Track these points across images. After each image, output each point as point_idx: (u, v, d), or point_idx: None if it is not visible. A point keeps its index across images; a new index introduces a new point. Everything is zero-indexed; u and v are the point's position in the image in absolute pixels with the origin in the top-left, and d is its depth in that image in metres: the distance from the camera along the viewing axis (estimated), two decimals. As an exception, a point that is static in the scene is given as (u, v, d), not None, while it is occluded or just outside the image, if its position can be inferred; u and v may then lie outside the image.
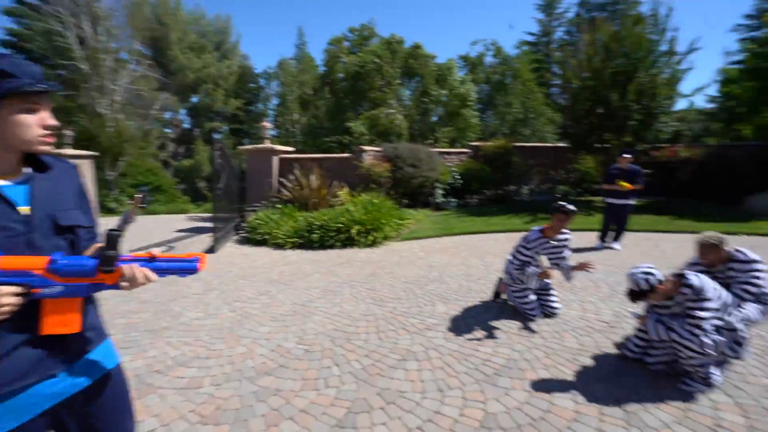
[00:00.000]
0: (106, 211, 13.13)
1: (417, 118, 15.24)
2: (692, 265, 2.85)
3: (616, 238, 6.35)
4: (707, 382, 2.47)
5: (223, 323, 3.66)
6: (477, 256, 5.95)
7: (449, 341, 3.20)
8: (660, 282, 2.44)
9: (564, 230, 3.59)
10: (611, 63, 9.40)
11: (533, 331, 3.36)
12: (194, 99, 30.80)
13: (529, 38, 32.73)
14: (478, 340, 3.22)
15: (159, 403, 2.43)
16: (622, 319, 3.55)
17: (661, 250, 6.10)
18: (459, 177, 11.18)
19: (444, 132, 15.54)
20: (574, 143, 10.75)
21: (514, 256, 3.66)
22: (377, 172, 9.44)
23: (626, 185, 5.96)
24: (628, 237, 6.76)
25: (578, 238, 7.10)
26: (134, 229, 9.16)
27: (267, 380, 2.66)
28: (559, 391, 2.48)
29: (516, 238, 4.98)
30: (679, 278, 2.46)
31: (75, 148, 11.78)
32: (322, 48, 53.15)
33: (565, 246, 3.61)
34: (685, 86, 39.68)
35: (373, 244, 6.85)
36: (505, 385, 2.57)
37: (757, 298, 2.56)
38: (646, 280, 2.43)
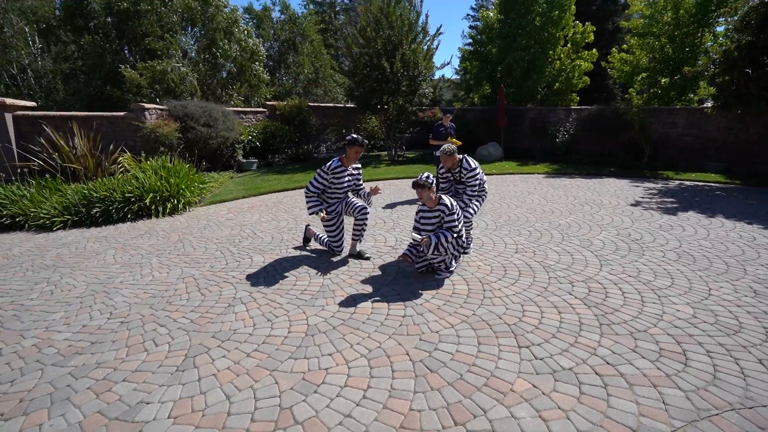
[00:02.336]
0: None
1: (207, 74, 13.80)
2: (439, 169, 4.30)
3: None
4: (449, 270, 3.72)
5: (-10, 322, 3.01)
6: (285, 211, 6.39)
7: (270, 283, 3.62)
8: (431, 185, 3.52)
9: (357, 163, 4.24)
10: (382, 34, 10.85)
11: (340, 261, 4.12)
12: None
13: (314, -2, 33.23)
14: (296, 276, 3.75)
15: (-73, 419, 2.01)
16: (402, 243, 4.71)
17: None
18: (258, 137, 11.11)
19: (236, 89, 14.64)
20: (359, 104, 12.11)
21: (310, 183, 4.04)
22: (165, 133, 8.44)
23: (456, 141, 6.59)
24: (403, 181, 8.44)
25: (380, 186, 8.41)
26: None
27: (81, 359, 2.50)
28: (360, 299, 3.28)
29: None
30: (438, 198, 3.59)
31: None
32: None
33: (358, 177, 4.27)
34: (437, 60, 48.82)
35: (174, 212, 6.37)
36: (321, 304, 3.21)
37: (478, 192, 4.12)
38: (427, 178, 3.52)
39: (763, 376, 2.27)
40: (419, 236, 3.52)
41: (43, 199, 6.08)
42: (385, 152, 13.72)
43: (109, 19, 13.11)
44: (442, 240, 3.51)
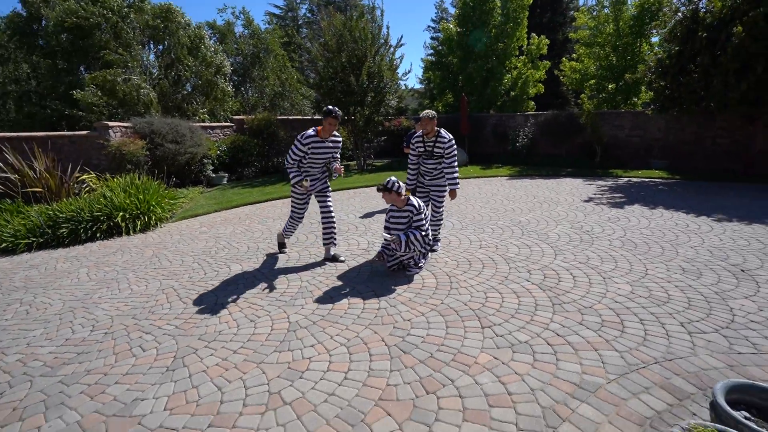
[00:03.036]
0: None
1: (169, 89, 13.65)
2: (415, 135, 4.49)
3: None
4: (418, 267, 4.01)
5: (-33, 343, 3.02)
6: (258, 222, 6.52)
7: (249, 288, 3.78)
8: (399, 188, 3.78)
9: (336, 133, 4.20)
10: (346, 47, 11.21)
11: (316, 264, 4.33)
12: None
13: (276, 11, 33.40)
14: (273, 280, 3.93)
15: None
16: (373, 246, 4.97)
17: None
18: (227, 151, 11.12)
19: (201, 103, 14.56)
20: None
21: (289, 154, 4.09)
22: (131, 151, 8.37)
23: None
24: (372, 189, 8.72)
25: (350, 195, 8.65)
26: None
27: (70, 368, 2.59)
28: (337, 297, 3.50)
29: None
30: (407, 199, 3.89)
31: None
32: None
33: (337, 148, 4.25)
34: (401, 71, 50.10)
35: (146, 228, 6.36)
36: (300, 303, 3.41)
37: (452, 162, 4.35)
38: (392, 183, 3.78)
39: (683, 336, 2.67)
40: (389, 236, 3.79)
41: (4, 222, 5.93)
42: (354, 162, 14.00)
43: (63, 36, 12.80)
44: (411, 238, 3.80)
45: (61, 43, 12.51)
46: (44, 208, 6.14)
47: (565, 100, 21.02)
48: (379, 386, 2.25)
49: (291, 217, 4.55)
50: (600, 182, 9.12)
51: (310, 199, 4.49)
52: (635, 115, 11.83)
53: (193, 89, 14.48)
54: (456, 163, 4.44)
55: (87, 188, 7.35)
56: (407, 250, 3.84)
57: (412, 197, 3.95)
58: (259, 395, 2.21)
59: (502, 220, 5.90)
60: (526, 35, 14.87)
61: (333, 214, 4.42)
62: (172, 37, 13.11)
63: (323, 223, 4.41)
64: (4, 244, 5.54)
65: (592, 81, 13.59)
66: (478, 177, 10.42)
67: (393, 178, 3.87)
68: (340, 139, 4.32)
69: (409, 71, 25.49)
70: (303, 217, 4.58)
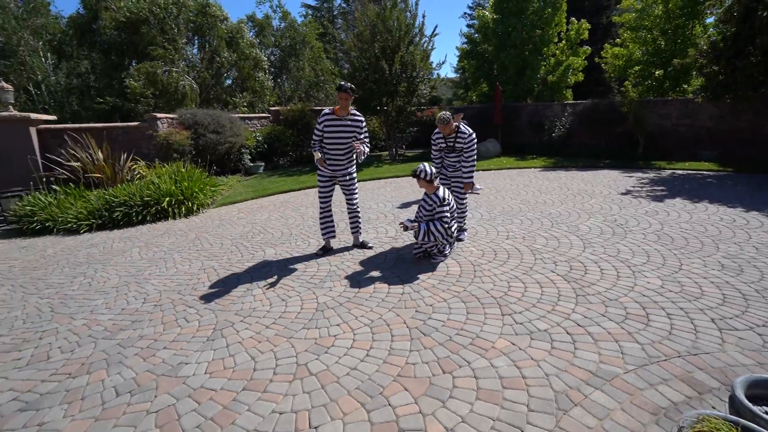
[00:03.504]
0: None
1: (211, 82, 14.30)
2: (436, 134, 4.55)
3: None
4: (443, 254, 4.10)
5: (40, 309, 3.44)
6: (292, 210, 6.80)
7: (282, 271, 4.02)
8: (427, 176, 3.85)
9: (356, 113, 4.07)
10: (379, 38, 11.25)
11: (345, 250, 4.51)
12: None
13: (311, 2, 33.72)
14: (305, 264, 4.15)
15: (4, 382, 2.42)
16: (401, 234, 5.09)
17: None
18: (263, 141, 11.55)
19: (242, 96, 15.15)
20: (359, 106, 12.50)
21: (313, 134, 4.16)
22: (177, 140, 8.90)
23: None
24: (403, 179, 8.82)
25: (381, 185, 8.81)
26: None
27: (126, 333, 2.92)
28: (364, 282, 3.67)
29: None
30: (436, 188, 3.95)
31: None
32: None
33: (358, 127, 4.06)
34: (434, 60, 49.11)
35: (190, 213, 6.81)
36: (329, 286, 3.60)
37: (470, 156, 4.42)
38: (422, 170, 3.87)
39: (712, 331, 2.62)
40: (411, 224, 3.89)
41: (69, 205, 6.54)
42: (386, 152, 14.10)
43: (116, 33, 13.67)
44: (432, 228, 3.88)
45: (115, 40, 13.41)
46: (102, 193, 6.71)
47: (608, 88, 19.98)
48: (398, 364, 2.39)
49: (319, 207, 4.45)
50: (640, 174, 8.73)
51: (333, 187, 4.33)
52: (683, 103, 11.14)
53: (233, 82, 15.07)
54: (474, 158, 4.50)
55: (138, 175, 7.93)
56: (427, 239, 3.92)
57: (443, 188, 4.01)
58: (288, 366, 2.42)
59: (532, 212, 5.84)
60: (565, 20, 14.25)
61: (357, 206, 4.45)
62: (212, 30, 13.70)
63: (349, 215, 4.52)
64: (69, 225, 6.12)
65: (637, 67, 12.87)
66: (511, 168, 10.25)
67: (422, 165, 3.95)
68: (361, 118, 4.13)
69: (443, 62, 25.06)
70: (328, 209, 4.37)
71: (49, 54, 15.26)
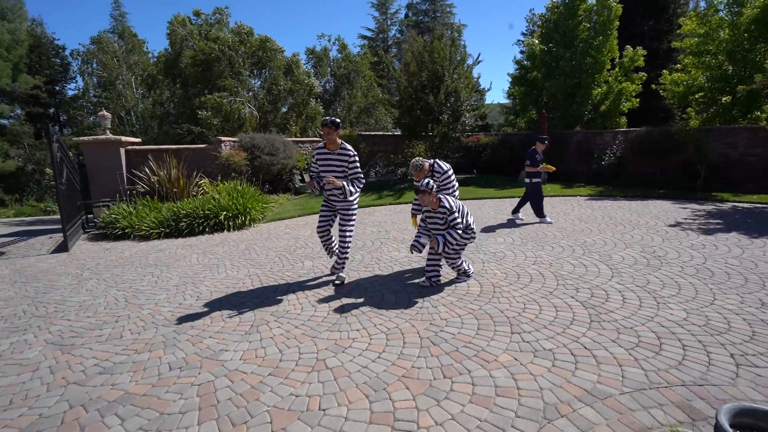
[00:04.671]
0: None
1: (268, 109, 15.72)
2: (416, 182, 4.26)
3: (517, 209, 7.50)
4: (467, 275, 4.29)
5: (117, 299, 4.11)
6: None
7: (316, 281, 4.44)
8: (431, 189, 3.86)
9: (346, 147, 4.08)
10: (426, 67, 11.80)
11: (375, 266, 4.85)
12: None
13: (367, 33, 35.66)
14: (335, 275, 4.53)
15: (89, 352, 3.01)
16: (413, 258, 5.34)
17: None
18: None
19: (295, 121, 16.44)
20: (406, 132, 13.03)
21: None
22: (236, 161, 9.89)
23: (550, 167, 7.00)
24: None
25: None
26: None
27: (178, 324, 3.45)
28: (387, 294, 3.96)
29: (367, 212, 6.42)
30: (438, 201, 3.95)
31: None
32: (144, 19, 46.81)
33: (345, 161, 4.07)
34: (485, 84, 49.00)
35: (242, 226, 7.55)
36: (355, 296, 3.94)
37: (452, 193, 4.42)
38: (427, 184, 3.87)
39: (727, 366, 2.60)
40: (428, 240, 3.97)
41: (145, 215, 7.53)
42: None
43: (193, 69, 15.60)
44: (449, 238, 3.91)
45: (192, 74, 15.31)
46: (171, 206, 7.66)
47: (668, 114, 18.99)
48: (404, 367, 2.65)
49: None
50: (696, 206, 8.28)
51: (332, 216, 4.38)
52: (753, 131, 10.43)
53: (289, 109, 16.42)
54: (454, 195, 4.43)
55: (202, 191, 8.91)
56: (449, 250, 4.00)
57: (443, 198, 3.97)
58: (309, 359, 2.77)
59: (566, 240, 5.84)
60: (617, 47, 13.98)
61: (347, 240, 4.25)
62: (271, 62, 15.18)
63: (339, 244, 4.33)
64: (143, 232, 7.06)
65: (700, 94, 12.26)
66: (555, 196, 10.12)
67: (427, 179, 3.95)
68: (350, 152, 4.07)
69: (489, 89, 25.23)
70: (324, 235, 4.38)
71: (139, 86, 17.65)
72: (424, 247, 4.05)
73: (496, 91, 71.03)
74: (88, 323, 3.55)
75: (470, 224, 4.15)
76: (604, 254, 5.07)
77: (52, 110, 29.18)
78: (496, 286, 4.09)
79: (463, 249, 4.20)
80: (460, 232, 3.97)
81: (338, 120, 4.03)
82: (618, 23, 13.66)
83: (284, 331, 3.24)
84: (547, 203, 9.15)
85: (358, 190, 4.26)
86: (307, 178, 4.18)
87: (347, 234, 4.28)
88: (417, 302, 3.74)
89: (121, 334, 3.29)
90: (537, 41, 15.02)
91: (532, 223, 7.03)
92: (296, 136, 16.00)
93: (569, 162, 13.52)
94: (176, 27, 15.85)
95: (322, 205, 4.43)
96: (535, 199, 7.16)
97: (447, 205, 3.95)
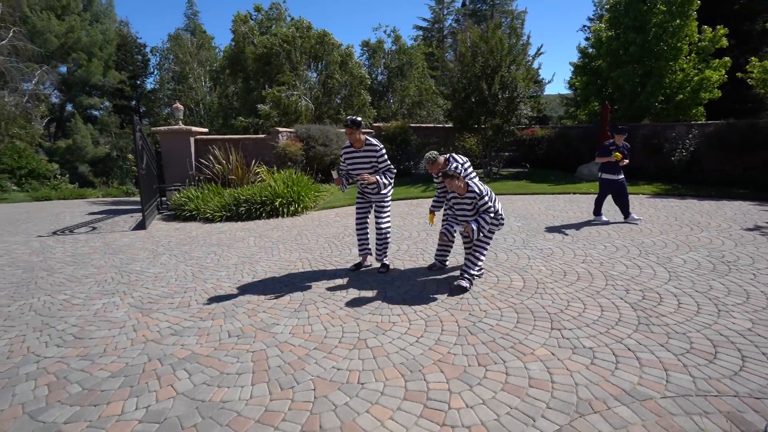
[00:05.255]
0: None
1: (323, 101, 16.26)
2: (435, 178, 4.25)
3: (627, 211, 6.58)
4: (471, 280, 3.89)
5: (186, 273, 4.60)
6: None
7: (361, 267, 4.63)
8: (459, 174, 3.79)
9: (372, 142, 4.15)
10: (480, 59, 11.53)
11: (419, 256, 4.96)
12: (61, 69, 26.81)
13: (422, 23, 35.22)
14: (379, 262, 4.71)
15: (163, 316, 3.44)
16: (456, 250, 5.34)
17: (517, 205, 8.33)
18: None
19: (347, 113, 16.86)
20: (458, 124, 12.87)
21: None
22: (292, 151, 10.39)
23: (618, 155, 6.37)
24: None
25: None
26: (37, 215, 8.87)
27: (238, 298, 3.81)
28: (429, 284, 4.06)
29: (414, 204, 6.51)
30: (466, 186, 3.81)
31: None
32: (214, 19, 49.82)
33: (372, 158, 4.16)
34: (546, 75, 46.32)
35: (296, 213, 7.97)
36: (398, 284, 4.08)
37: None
38: (455, 169, 3.90)
39: (791, 379, 2.42)
40: (460, 227, 3.88)
41: (209, 199, 8.21)
42: (482, 170, 14.15)
43: (254, 63, 16.49)
44: (482, 223, 3.76)
45: (253, 69, 16.23)
46: (233, 192, 8.27)
47: (760, 105, 16.94)
48: (441, 352, 2.76)
49: None
50: (781, 209, 7.44)
51: (369, 207, 4.51)
52: None
53: (342, 100, 16.86)
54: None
55: (260, 179, 9.50)
56: (482, 235, 3.87)
57: (471, 183, 3.82)
58: (351, 338, 2.97)
59: (622, 239, 5.56)
60: (696, 30, 12.67)
61: (384, 229, 4.34)
62: (328, 56, 15.65)
63: (376, 236, 4.45)
64: (207, 215, 7.72)
65: (797, 83, 10.83)
66: (615, 192, 9.55)
67: (455, 164, 3.92)
68: (377, 147, 4.15)
69: (550, 81, 24.00)
70: (361, 226, 4.48)
71: (207, 79, 19.00)
72: (454, 234, 4.02)
73: (557, 81, 67.33)
74: (162, 292, 4.03)
75: (498, 210, 3.97)
76: (663, 256, 4.78)
77: (133, 102, 32.16)
78: (540, 282, 4.04)
79: (491, 238, 4.01)
80: (492, 214, 3.81)
81: (359, 119, 4.10)
82: (699, 3, 12.37)
83: (330, 311, 3.47)
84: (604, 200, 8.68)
85: (391, 181, 4.34)
86: (335, 174, 4.31)
87: (383, 224, 4.38)
88: (458, 293, 3.81)
89: (188, 303, 3.71)
90: (604, 26, 14.04)
91: (617, 223, 6.66)
92: (349, 127, 16.41)
93: (634, 157, 12.58)
94: (239, 24, 16.85)
95: (357, 200, 4.54)
96: (601, 193, 6.67)
97: (476, 189, 3.80)
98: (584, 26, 24.78)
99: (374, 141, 4.20)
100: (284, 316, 3.38)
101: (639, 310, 3.37)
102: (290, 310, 3.49)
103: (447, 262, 4.60)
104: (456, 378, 2.46)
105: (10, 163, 15.11)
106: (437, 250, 4.55)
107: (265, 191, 8.11)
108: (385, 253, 4.50)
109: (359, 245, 4.58)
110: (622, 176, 6.58)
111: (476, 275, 4.13)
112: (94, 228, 7.53)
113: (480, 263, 3.99)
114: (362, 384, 2.41)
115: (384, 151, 4.24)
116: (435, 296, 3.75)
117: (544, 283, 3.99)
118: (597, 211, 6.69)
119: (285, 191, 8.12)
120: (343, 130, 12.82)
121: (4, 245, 6.16)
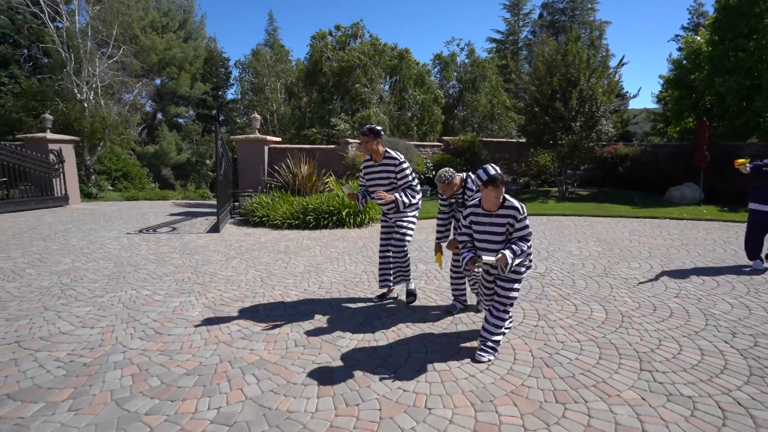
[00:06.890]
0: (86, 196, 13.35)
1: (396, 114, 16.57)
2: (439, 196, 3.63)
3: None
4: (495, 347, 2.90)
5: (255, 278, 4.84)
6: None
7: (427, 284, 4.56)
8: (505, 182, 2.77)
9: (392, 154, 3.74)
10: (556, 73, 10.97)
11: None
12: (156, 81, 30.22)
13: (496, 35, 34.62)
14: (447, 283, 4.58)
15: (234, 318, 3.63)
16: (551, 271, 5.00)
17: (596, 228, 7.72)
18: (432, 167, 12.57)
19: (419, 127, 16.99)
20: (531, 139, 12.33)
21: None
22: (361, 162, 10.63)
23: (743, 160, 5.11)
24: (570, 218, 8.36)
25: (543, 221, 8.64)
26: (127, 214, 9.96)
27: (303, 306, 3.92)
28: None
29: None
30: (503, 199, 2.81)
31: (54, 132, 12.10)
32: (291, 35, 53.46)
33: (390, 172, 3.72)
34: (631, 89, 42.33)
35: (362, 224, 8.10)
36: (470, 306, 3.93)
37: None
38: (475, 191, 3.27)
39: None
40: (492, 258, 2.77)
41: (279, 206, 8.64)
42: (556, 188, 13.39)
43: (332, 77, 17.30)
44: (518, 252, 2.77)
45: (329, 82, 17.05)
46: (301, 200, 8.63)
47: None
48: (514, 383, 2.57)
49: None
50: None
51: (392, 233, 3.96)
52: None
53: (413, 115, 17.05)
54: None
55: (329, 188, 9.83)
56: (512, 276, 2.86)
57: (509, 197, 2.85)
58: (417, 359, 2.89)
59: (723, 274, 4.87)
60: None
61: (400, 253, 3.80)
62: (405, 72, 15.97)
63: (391, 260, 3.93)
64: (276, 221, 8.12)
65: None
66: (713, 220, 8.51)
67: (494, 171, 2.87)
68: (396, 161, 3.69)
69: (634, 96, 22.20)
70: (383, 255, 3.96)
71: (283, 91, 20.32)
72: (487, 263, 2.79)
73: (643, 95, 62.31)
74: (233, 295, 4.27)
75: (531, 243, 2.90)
76: (781, 297, 4.09)
77: (214, 111, 35.32)
78: (625, 315, 3.65)
79: (520, 282, 2.95)
80: (530, 243, 2.85)
81: (378, 127, 3.70)
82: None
83: (395, 327, 3.42)
84: (700, 227, 7.76)
85: (413, 200, 3.78)
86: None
87: (399, 248, 3.78)
88: (533, 321, 3.56)
89: (257, 308, 3.88)
90: (705, 35, 12.67)
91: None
92: (417, 140, 16.48)
93: (737, 180, 11.12)
94: (318, 40, 17.90)
95: (381, 223, 4.11)
96: (749, 229, 5.21)
97: (518, 205, 2.79)
98: (677, 36, 22.68)
99: (394, 154, 3.76)
100: (348, 329, 3.39)
101: (751, 358, 2.89)
102: (355, 324, 3.50)
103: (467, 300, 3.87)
104: (531, 414, 2.27)
105: (109, 166, 17.15)
106: (453, 286, 3.79)
107: (333, 201, 8.35)
108: (406, 277, 3.94)
109: (380, 275, 4.00)
110: None
111: (504, 333, 3.13)
112: (174, 228, 8.23)
113: (506, 322, 3.01)
114: (429, 409, 2.31)
115: (406, 165, 3.76)
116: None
117: (630, 317, 3.60)
118: (751, 254, 5.15)
119: (353, 202, 8.29)
120: (412, 143, 12.89)
121: (100, 240, 6.96)
